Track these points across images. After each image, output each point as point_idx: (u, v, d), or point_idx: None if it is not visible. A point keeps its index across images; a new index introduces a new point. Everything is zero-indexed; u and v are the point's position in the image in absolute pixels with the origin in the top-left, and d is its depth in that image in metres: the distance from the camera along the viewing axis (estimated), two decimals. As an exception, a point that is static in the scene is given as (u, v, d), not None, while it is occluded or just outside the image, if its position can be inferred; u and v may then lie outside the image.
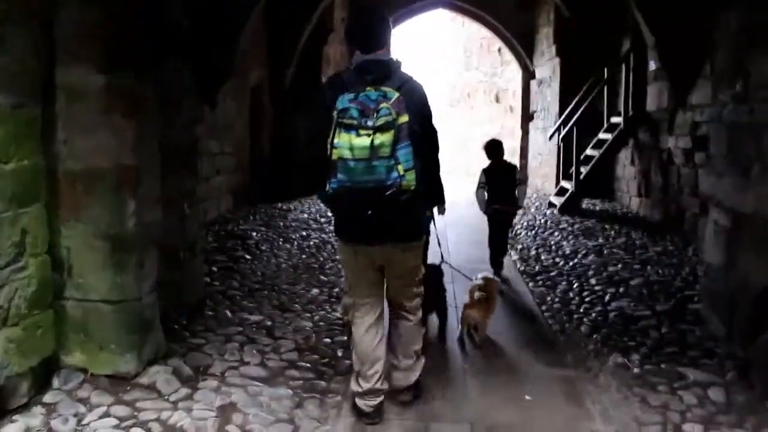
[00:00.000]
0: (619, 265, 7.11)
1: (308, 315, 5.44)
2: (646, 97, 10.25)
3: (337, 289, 6.20)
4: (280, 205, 11.10)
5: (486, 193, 6.62)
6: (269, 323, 5.17)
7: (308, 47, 12.37)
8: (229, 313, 5.33)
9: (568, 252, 7.86)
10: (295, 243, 8.16)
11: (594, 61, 11.57)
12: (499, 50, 15.73)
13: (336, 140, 3.19)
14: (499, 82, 16.02)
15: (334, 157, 3.20)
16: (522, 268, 7.17)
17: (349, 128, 3.16)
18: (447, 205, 4.36)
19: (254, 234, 8.48)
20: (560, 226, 9.49)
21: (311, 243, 8.18)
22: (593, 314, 5.56)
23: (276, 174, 12.34)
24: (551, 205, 11.13)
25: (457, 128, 18.49)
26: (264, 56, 11.79)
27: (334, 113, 3.20)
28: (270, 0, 10.43)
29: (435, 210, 4.10)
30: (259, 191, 11.42)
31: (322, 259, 7.41)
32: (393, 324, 3.75)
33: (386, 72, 3.34)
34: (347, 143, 3.15)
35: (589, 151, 10.90)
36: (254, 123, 11.60)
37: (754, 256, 4.58)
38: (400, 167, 3.20)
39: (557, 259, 7.52)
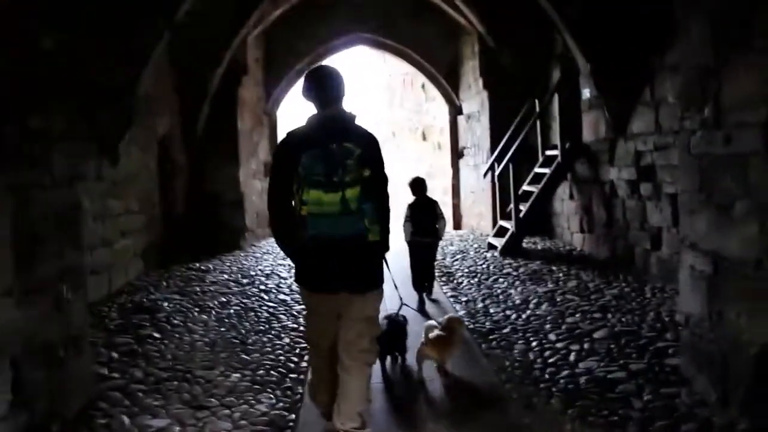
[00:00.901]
0: (577, 315, 6.41)
1: (227, 412, 4.46)
2: (581, 127, 9.80)
3: (261, 371, 5.25)
4: (197, 265, 10.04)
5: (411, 226, 7.38)
6: (177, 429, 4.17)
7: (221, 91, 11.48)
8: (126, 419, 4.29)
9: (518, 302, 7.14)
10: (213, 312, 7.14)
11: (524, 93, 11.14)
12: (423, 86, 15.20)
13: (305, 197, 3.39)
14: (425, 118, 15.46)
15: (304, 212, 3.41)
16: (471, 326, 6.38)
17: (317, 185, 3.36)
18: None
19: (166, 305, 7.41)
20: (504, 271, 8.80)
21: (231, 311, 7.18)
22: (561, 381, 4.79)
23: (192, 230, 11.29)
24: (491, 246, 10.47)
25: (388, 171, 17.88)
26: (172, 102, 10.81)
27: (299, 170, 3.37)
28: (175, 42, 9.55)
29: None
30: (173, 251, 10.34)
31: (244, 331, 6.42)
32: (340, 380, 3.66)
33: (345, 127, 3.51)
34: (317, 199, 3.37)
35: (526, 187, 10.34)
36: (164, 175, 10.55)
37: (745, 308, 3.92)
38: (366, 220, 3.44)
39: (508, 312, 6.78)
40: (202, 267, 9.89)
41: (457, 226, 13.78)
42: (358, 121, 3.63)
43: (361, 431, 3.62)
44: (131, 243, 8.85)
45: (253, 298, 7.75)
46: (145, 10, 7.92)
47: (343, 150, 3.40)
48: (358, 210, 3.41)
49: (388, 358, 5.15)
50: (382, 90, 17.36)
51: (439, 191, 14.80)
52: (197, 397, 4.73)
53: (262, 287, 8.35)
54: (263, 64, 13.14)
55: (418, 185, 7.49)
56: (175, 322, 6.71)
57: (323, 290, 3.57)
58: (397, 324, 5.13)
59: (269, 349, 5.84)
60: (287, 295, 7.92)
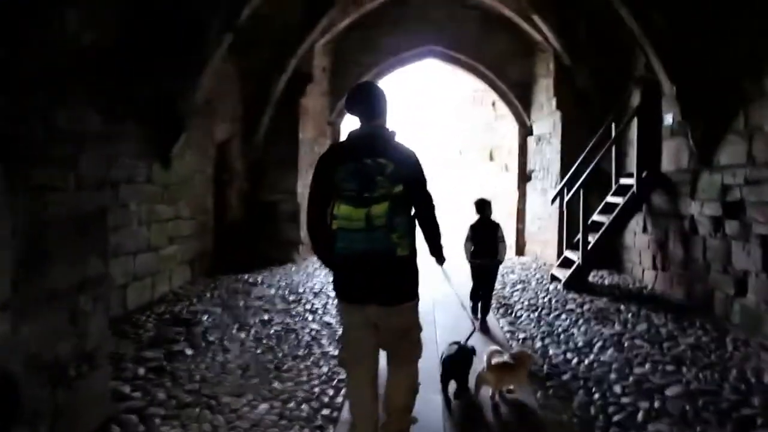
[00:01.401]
0: (647, 365, 5.74)
1: (245, 450, 4.04)
2: (661, 155, 9.06)
3: (292, 404, 4.80)
4: (246, 276, 9.74)
5: (472, 246, 7.39)
6: (187, 467, 3.77)
7: (284, 98, 11.24)
8: (135, 450, 3.92)
9: (580, 343, 6.50)
10: (253, 331, 6.76)
11: (599, 116, 10.45)
12: (494, 104, 14.63)
13: (336, 211, 3.48)
14: (494, 138, 14.86)
15: (335, 226, 3.50)
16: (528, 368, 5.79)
17: (348, 200, 3.44)
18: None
19: (206, 318, 7.10)
20: (567, 306, 8.14)
21: (272, 331, 6.78)
22: (626, 445, 4.18)
23: (245, 240, 11.04)
24: (554, 278, 9.80)
25: (448, 188, 17.30)
26: (234, 107, 10.60)
27: (334, 184, 3.47)
28: (239, 45, 9.32)
29: (438, 263, 4.11)
30: (224, 260, 10.09)
31: (281, 355, 6.00)
32: (388, 378, 3.80)
33: (382, 143, 3.55)
34: (347, 214, 3.44)
35: (596, 217, 9.64)
36: (220, 182, 10.33)
37: None
38: (395, 236, 3.46)
39: (569, 355, 6.15)
40: (251, 279, 9.58)
41: (520, 252, 13.11)
42: (397, 138, 3.68)
43: (405, 415, 3.85)
44: (179, 249, 8.61)
45: (297, 318, 7.34)
46: (204, 14, 7.69)
47: (377, 165, 3.45)
48: (385, 225, 3.45)
49: (451, 384, 5.00)
50: (450, 107, 16.85)
51: (503, 214, 14.14)
52: (218, 429, 4.32)
53: (308, 306, 7.94)
54: (330, 74, 12.85)
55: (481, 205, 7.52)
56: (211, 338, 6.36)
57: (353, 301, 3.66)
58: (464, 352, 5.03)
59: (305, 378, 5.39)
60: (333, 317, 7.49)
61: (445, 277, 4.51)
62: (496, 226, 7.45)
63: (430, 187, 3.73)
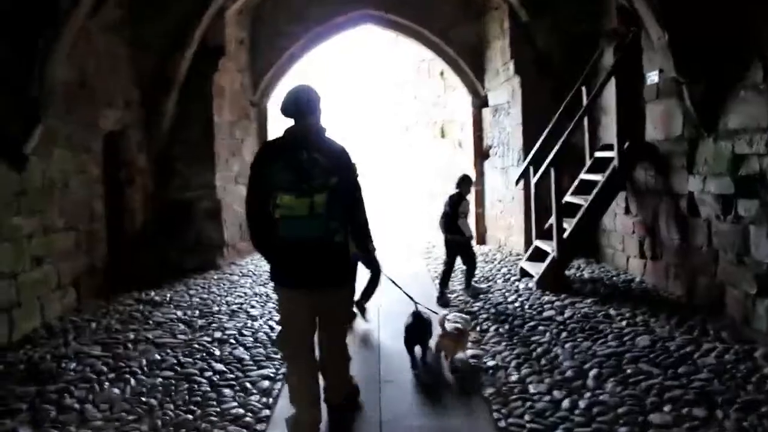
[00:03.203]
0: (666, 406, 4.20)
1: None
2: (644, 122, 7.52)
3: None
4: (152, 293, 7.94)
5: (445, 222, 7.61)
6: None
7: (193, 77, 9.39)
8: None
9: (569, 373, 4.91)
10: (133, 381, 4.99)
11: (566, 80, 8.87)
12: (442, 74, 12.92)
13: (278, 201, 3.74)
14: (444, 112, 13.17)
15: (277, 215, 3.76)
16: (501, 420, 4.18)
17: (288, 191, 3.72)
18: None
19: (72, 366, 5.31)
20: (544, 314, 6.56)
21: (158, 380, 5.01)
22: None
23: (155, 247, 9.22)
24: (524, 273, 8.23)
25: (396, 170, 15.58)
26: (128, 91, 8.71)
27: (274, 176, 3.74)
28: (131, 15, 7.50)
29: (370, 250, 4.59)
30: (124, 275, 8.25)
31: (161, 423, 4.27)
32: (322, 354, 4.13)
33: (315, 139, 3.86)
34: (288, 203, 3.72)
35: (570, 198, 8.08)
36: (114, 181, 8.47)
37: None
38: (333, 223, 3.79)
39: (556, 392, 4.56)
40: (157, 297, 7.78)
41: (481, 240, 11.49)
42: (329, 134, 3.97)
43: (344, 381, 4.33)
44: (52, 271, 6.76)
45: (198, 356, 5.58)
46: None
47: (312, 159, 3.75)
48: (324, 213, 3.73)
49: (417, 349, 5.41)
50: (394, 80, 15.10)
51: (459, 198, 12.57)
52: None
53: (218, 335, 6.20)
54: (249, 47, 10.99)
55: (460, 182, 7.76)
56: (66, 402, 4.58)
57: (293, 286, 3.88)
58: (422, 319, 5.42)
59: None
60: (249, 348, 5.78)
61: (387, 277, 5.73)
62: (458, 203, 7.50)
63: (360, 182, 4.21)
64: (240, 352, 5.69)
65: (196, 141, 9.66)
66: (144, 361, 5.43)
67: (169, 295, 7.92)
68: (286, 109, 3.93)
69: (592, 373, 4.87)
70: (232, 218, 10.26)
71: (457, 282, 8.09)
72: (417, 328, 5.38)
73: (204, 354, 5.63)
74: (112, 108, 8.25)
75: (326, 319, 4.04)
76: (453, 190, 7.72)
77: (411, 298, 5.46)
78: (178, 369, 5.27)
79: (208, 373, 5.16)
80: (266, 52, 11.09)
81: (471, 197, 11.61)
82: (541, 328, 6.12)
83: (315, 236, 3.74)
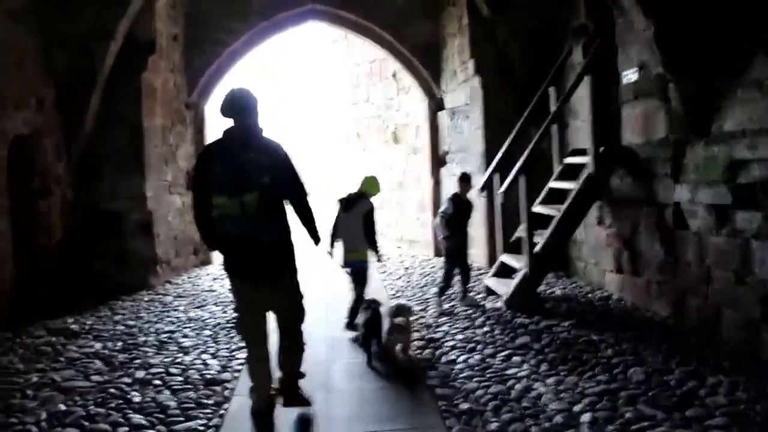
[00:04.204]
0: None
1: None
2: (620, 125, 6.87)
3: None
4: (69, 321, 6.90)
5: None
6: None
7: (118, 75, 8.37)
8: None
9: (558, 418, 4.13)
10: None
11: (530, 80, 8.20)
12: (395, 75, 12.12)
13: (214, 201, 3.95)
14: (397, 116, 12.37)
15: (215, 214, 3.99)
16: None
17: (222, 192, 3.92)
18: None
19: (-50, 423, 4.29)
20: (518, 341, 5.79)
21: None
22: None
23: (76, 265, 8.17)
24: (490, 292, 7.48)
25: (348, 178, 14.69)
26: (36, 89, 7.64)
27: (212, 177, 3.96)
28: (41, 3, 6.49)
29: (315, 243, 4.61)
30: (36, 300, 7.19)
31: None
32: (278, 341, 4.40)
33: (253, 140, 4.06)
34: (222, 203, 3.93)
35: (538, 209, 7.36)
36: (21, 193, 7.40)
37: None
38: (264, 220, 3.99)
39: (546, 448, 3.78)
40: (75, 326, 6.76)
41: (439, 253, 10.70)
42: (266, 134, 4.15)
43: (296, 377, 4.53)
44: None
45: (113, 404, 4.61)
46: None
47: (248, 159, 3.94)
48: (255, 212, 3.93)
49: (372, 344, 5.53)
50: (344, 82, 14.25)
51: (413, 206, 11.81)
52: None
53: (140, 375, 5.23)
54: (184, 44, 10.00)
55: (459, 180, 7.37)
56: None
57: (241, 277, 4.19)
58: (375, 313, 5.60)
59: None
60: (176, 391, 4.84)
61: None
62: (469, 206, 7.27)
63: (302, 176, 4.27)
64: (165, 397, 4.75)
65: (123, 147, 8.64)
66: (43, 415, 4.44)
67: (89, 323, 6.90)
68: (224, 111, 4.13)
69: (586, 417, 4.11)
70: (166, 231, 9.26)
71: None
72: (375, 323, 5.52)
73: (120, 402, 4.66)
74: (20, 109, 7.19)
75: (274, 308, 4.31)
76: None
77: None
78: (86, 424, 4.29)
79: (123, 429, 4.21)
80: (204, 50, 10.12)
81: (426, 206, 11.02)
82: (516, 358, 5.35)
83: (248, 233, 3.97)
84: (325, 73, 16.27)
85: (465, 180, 7.27)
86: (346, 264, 6.48)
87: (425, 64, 10.61)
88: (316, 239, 4.52)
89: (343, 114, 14.51)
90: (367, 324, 5.54)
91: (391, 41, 10.59)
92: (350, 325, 6.36)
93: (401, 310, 5.64)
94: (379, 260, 6.65)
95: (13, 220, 7.06)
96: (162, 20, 9.10)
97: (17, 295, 6.93)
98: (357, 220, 6.32)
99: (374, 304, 5.74)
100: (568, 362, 5.15)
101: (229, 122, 4.12)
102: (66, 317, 7.05)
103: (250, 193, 3.88)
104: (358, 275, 6.44)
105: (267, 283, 4.16)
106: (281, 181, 4.03)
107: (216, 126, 10.41)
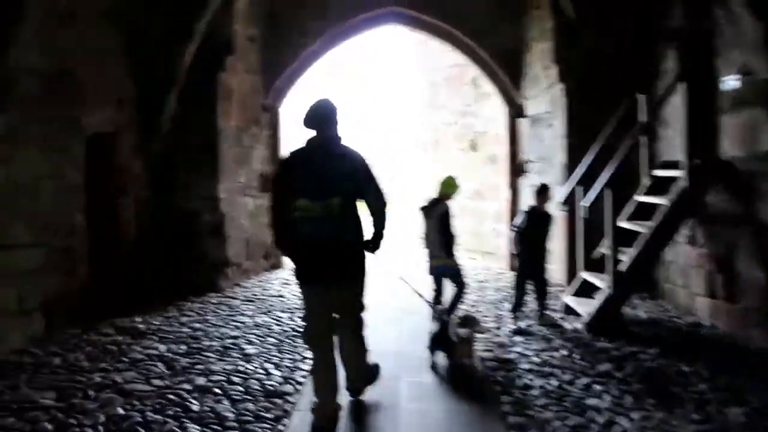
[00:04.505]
0: None
1: None
2: (717, 136, 6.33)
3: None
4: (138, 320, 6.88)
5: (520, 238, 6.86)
6: None
7: (197, 75, 8.35)
8: None
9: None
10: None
11: (619, 86, 7.71)
12: (474, 81, 11.77)
13: (297, 203, 4.21)
14: (476, 123, 12.01)
15: (296, 215, 4.23)
16: None
17: (306, 195, 4.19)
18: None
19: (9, 423, 4.23)
20: (599, 367, 5.35)
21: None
22: None
23: (151, 265, 8.20)
24: (569, 310, 7.04)
25: (423, 187, 14.39)
26: (120, 86, 7.70)
27: (296, 182, 4.25)
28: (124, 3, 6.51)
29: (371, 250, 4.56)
30: (107, 298, 7.22)
31: None
32: (344, 346, 4.53)
33: (334, 148, 4.34)
34: (306, 206, 4.19)
35: (624, 224, 6.86)
36: (104, 190, 7.45)
37: None
38: (345, 224, 4.25)
39: (634, 493, 3.38)
40: (141, 326, 6.71)
41: (513, 267, 10.28)
42: (345, 143, 4.41)
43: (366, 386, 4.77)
44: (11, 294, 5.71)
45: (170, 411, 4.47)
46: None
47: (331, 166, 4.24)
48: (337, 215, 4.18)
49: (439, 355, 5.59)
50: (421, 87, 13.99)
51: (489, 216, 11.41)
52: None
53: (201, 381, 5.09)
54: (262, 45, 9.94)
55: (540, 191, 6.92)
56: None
57: (311, 282, 4.33)
58: (443, 325, 5.55)
59: None
60: (235, 401, 4.66)
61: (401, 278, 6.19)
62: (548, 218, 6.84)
63: (381, 183, 4.43)
64: (223, 407, 4.58)
65: (198, 147, 8.61)
66: (102, 418, 4.34)
67: (156, 323, 6.85)
68: (307, 123, 4.38)
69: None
70: (238, 234, 9.19)
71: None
72: (442, 337, 5.54)
73: (178, 409, 4.52)
74: (101, 106, 7.24)
75: (342, 312, 4.47)
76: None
77: (425, 299, 5.98)
78: (141, 431, 4.16)
79: (179, 437, 4.06)
80: (281, 51, 10.03)
81: (504, 217, 10.62)
82: (597, 387, 4.93)
83: (328, 235, 4.18)
84: (401, 78, 16.04)
85: (543, 191, 6.88)
86: (431, 271, 6.62)
87: (506, 69, 10.20)
88: (376, 246, 4.53)
89: (420, 120, 14.24)
90: (435, 336, 5.57)
91: (471, 46, 10.24)
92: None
93: (467, 321, 5.61)
94: (451, 266, 6.54)
95: (90, 218, 7.10)
96: (240, 21, 9.06)
97: (90, 292, 6.94)
98: (435, 225, 6.41)
99: (444, 315, 5.68)
100: (655, 395, 4.70)
101: (310, 132, 4.38)
102: (135, 316, 7.03)
103: (332, 198, 4.14)
104: (451, 279, 6.55)
105: (339, 284, 4.33)
106: (361, 187, 4.29)
107: (291, 129, 10.35)
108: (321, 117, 4.32)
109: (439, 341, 5.54)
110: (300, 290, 4.48)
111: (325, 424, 4.23)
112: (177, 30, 7.96)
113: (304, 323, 4.48)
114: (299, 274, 4.35)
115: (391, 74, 17.59)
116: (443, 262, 6.51)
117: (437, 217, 6.46)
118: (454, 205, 6.72)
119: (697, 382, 4.91)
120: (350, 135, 4.32)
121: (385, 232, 4.50)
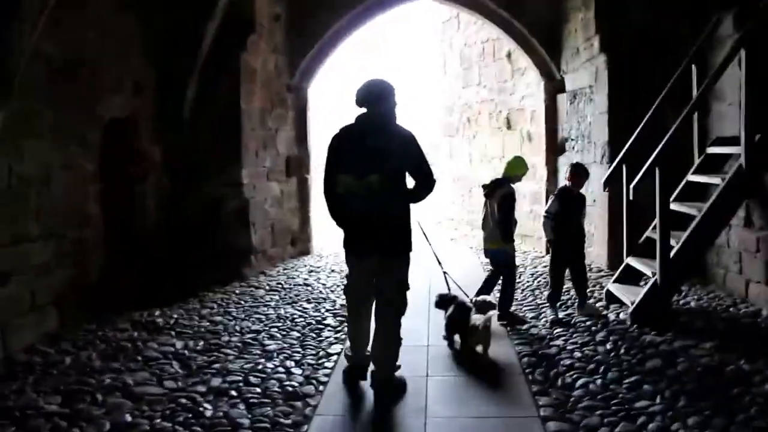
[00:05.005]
0: None
1: None
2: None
3: None
4: (156, 314, 6.61)
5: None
6: None
7: (218, 56, 8.02)
8: None
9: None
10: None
11: (666, 59, 7.13)
12: (509, 55, 11.21)
13: (339, 179, 4.41)
14: (511, 99, 11.47)
15: (340, 191, 4.44)
16: None
17: (347, 170, 4.39)
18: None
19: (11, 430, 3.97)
20: (648, 364, 4.89)
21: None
22: None
23: (169, 255, 7.93)
24: (611, 298, 6.56)
25: (455, 166, 13.91)
26: (136, 71, 7.39)
27: (342, 157, 4.47)
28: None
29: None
30: (124, 290, 6.94)
31: None
32: (377, 320, 4.60)
33: (381, 126, 4.44)
34: (348, 182, 4.36)
35: (673, 206, 6.33)
36: (122, 178, 7.18)
37: None
38: (389, 201, 4.36)
39: None
40: (159, 320, 6.44)
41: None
42: (398, 122, 4.53)
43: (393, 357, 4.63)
44: (22, 289, 5.45)
45: (180, 418, 4.16)
46: None
47: (377, 144, 4.32)
48: (381, 192, 4.28)
49: (456, 338, 5.51)
50: (454, 64, 13.48)
51: (527, 198, 10.89)
52: None
53: (216, 382, 4.77)
54: (286, 24, 9.54)
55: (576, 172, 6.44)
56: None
57: (359, 254, 4.57)
58: (465, 309, 5.49)
59: None
60: (252, 406, 4.33)
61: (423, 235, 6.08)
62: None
63: (430, 161, 4.59)
64: (238, 412, 4.24)
65: (220, 131, 8.29)
66: (107, 426, 4.04)
67: (175, 317, 6.57)
68: (359, 100, 4.50)
69: (742, 479, 3.24)
70: (263, 220, 8.88)
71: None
72: (459, 319, 5.42)
73: (189, 415, 4.20)
74: (118, 91, 6.94)
75: (382, 285, 4.55)
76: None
77: (458, 285, 6.03)
78: (151, 436, 3.86)
79: (192, 445, 3.74)
80: (307, 30, 9.63)
81: (540, 199, 10.11)
82: (646, 387, 4.47)
83: (370, 210, 4.32)
84: (433, 55, 15.51)
85: (580, 171, 6.40)
86: (486, 253, 6.51)
87: (543, 42, 9.65)
88: (422, 197, 4.58)
89: (453, 98, 13.73)
90: (451, 320, 5.50)
91: (506, 18, 9.71)
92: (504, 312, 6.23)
93: (484, 306, 5.52)
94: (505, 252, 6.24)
95: (107, 206, 6.83)
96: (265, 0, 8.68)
97: (107, 284, 6.68)
98: (494, 207, 6.17)
99: (460, 301, 5.62)
100: (711, 397, 4.23)
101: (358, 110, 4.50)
102: (154, 309, 6.76)
103: (376, 175, 4.25)
104: (499, 265, 6.31)
105: (381, 259, 4.45)
106: (409, 167, 4.42)
107: (320, 109, 9.97)
108: (372, 95, 4.44)
109: (455, 326, 5.45)
110: (345, 258, 4.76)
111: (357, 371, 4.71)
112: (197, 8, 7.61)
113: (347, 279, 4.82)
114: (345, 242, 4.63)
115: (422, 51, 17.05)
116: (498, 246, 6.20)
117: (499, 199, 6.14)
118: (519, 187, 6.50)
119: (761, 382, 4.42)
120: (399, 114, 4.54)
121: (422, 200, 4.57)
